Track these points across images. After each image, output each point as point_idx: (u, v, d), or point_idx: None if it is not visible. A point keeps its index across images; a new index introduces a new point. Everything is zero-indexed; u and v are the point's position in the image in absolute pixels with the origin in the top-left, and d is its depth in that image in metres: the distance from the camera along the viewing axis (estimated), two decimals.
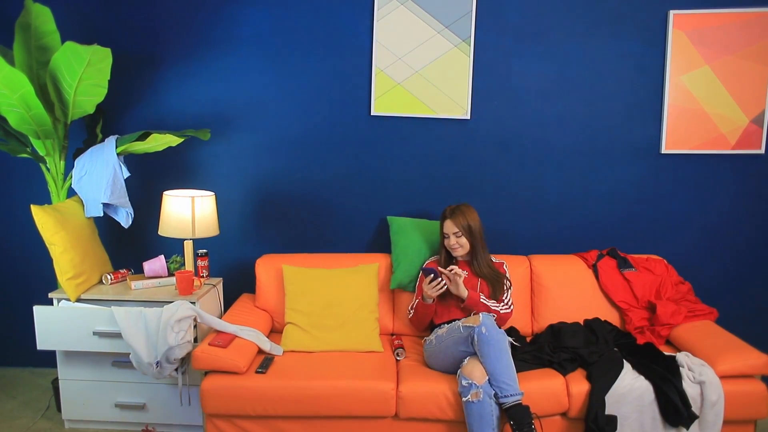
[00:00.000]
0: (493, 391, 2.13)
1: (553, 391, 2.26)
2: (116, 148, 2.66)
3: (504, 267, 2.67)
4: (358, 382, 2.28)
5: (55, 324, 2.44)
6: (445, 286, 2.45)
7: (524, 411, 2.10)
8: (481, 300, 2.49)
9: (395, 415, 2.29)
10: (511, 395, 2.11)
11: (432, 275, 2.44)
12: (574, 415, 2.27)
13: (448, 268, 2.45)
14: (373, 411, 2.27)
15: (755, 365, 2.28)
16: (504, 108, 2.96)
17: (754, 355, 2.30)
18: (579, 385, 2.27)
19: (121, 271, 2.78)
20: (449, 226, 2.57)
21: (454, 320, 2.50)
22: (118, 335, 2.40)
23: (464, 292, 2.46)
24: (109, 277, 2.70)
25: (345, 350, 2.58)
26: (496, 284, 2.57)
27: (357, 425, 2.31)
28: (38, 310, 2.44)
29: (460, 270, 2.46)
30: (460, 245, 2.57)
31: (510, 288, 2.62)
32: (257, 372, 2.32)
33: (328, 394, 2.25)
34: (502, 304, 2.56)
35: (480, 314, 2.28)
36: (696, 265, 3.02)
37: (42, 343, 2.46)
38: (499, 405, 2.14)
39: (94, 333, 2.42)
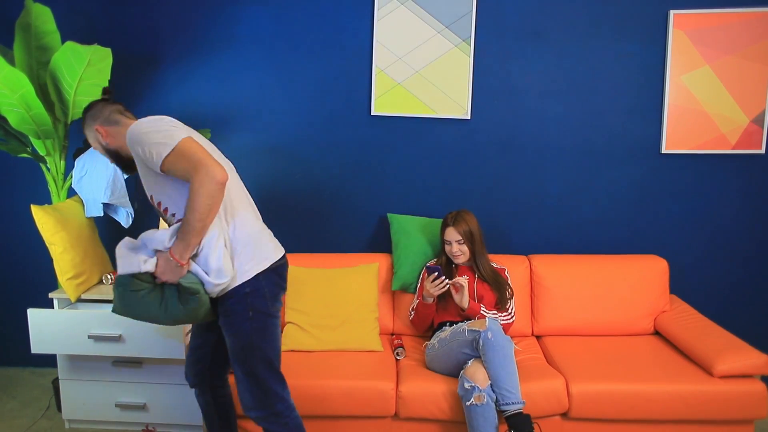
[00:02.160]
0: (495, 397, 2.13)
1: (553, 391, 2.26)
2: None
3: (506, 273, 2.67)
4: (358, 382, 2.28)
5: (49, 327, 2.42)
6: (448, 286, 2.45)
7: (525, 420, 2.09)
8: (481, 311, 2.49)
9: (395, 414, 2.29)
10: (512, 403, 2.11)
11: (436, 273, 2.44)
12: (574, 415, 2.27)
13: (454, 280, 2.46)
14: (373, 411, 2.27)
15: (755, 365, 2.28)
16: (504, 108, 2.96)
17: (754, 355, 2.30)
18: (579, 384, 2.28)
19: None
20: (451, 234, 2.57)
21: (455, 322, 2.50)
22: (113, 338, 2.39)
23: (466, 303, 2.46)
24: (109, 277, 2.70)
25: (345, 350, 2.58)
26: (500, 290, 2.57)
27: (356, 425, 2.31)
28: (32, 313, 2.42)
29: (464, 280, 2.47)
30: (461, 252, 2.57)
31: (512, 297, 2.62)
32: None
33: (328, 393, 2.25)
34: (505, 313, 2.56)
35: (486, 318, 2.27)
36: (696, 265, 3.02)
37: (36, 347, 2.45)
38: (499, 411, 2.13)
39: (89, 336, 2.41)
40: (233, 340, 1.85)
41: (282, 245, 3.07)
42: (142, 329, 2.39)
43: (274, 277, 1.87)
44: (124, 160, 1.92)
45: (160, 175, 1.75)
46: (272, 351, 1.87)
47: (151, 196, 1.86)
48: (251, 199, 1.97)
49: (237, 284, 1.80)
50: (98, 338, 2.40)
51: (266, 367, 1.86)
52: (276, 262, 1.88)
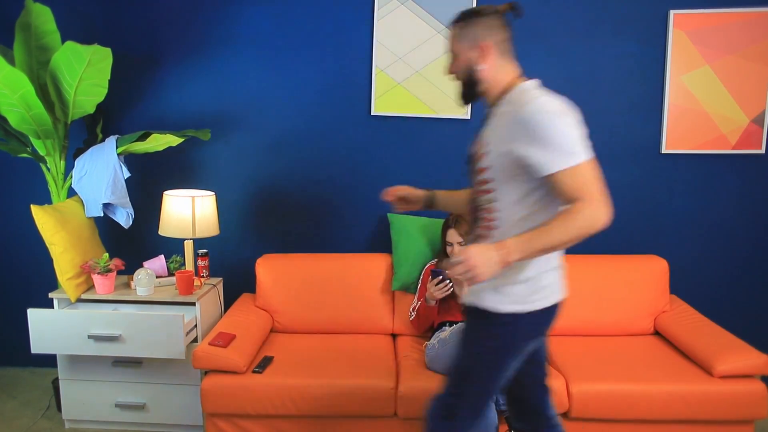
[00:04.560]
0: (495, 397, 2.12)
1: (553, 391, 2.25)
2: (116, 148, 2.66)
3: None
4: (358, 381, 2.28)
5: (49, 327, 2.42)
6: (451, 289, 2.45)
7: None
8: None
9: (394, 414, 2.29)
10: None
11: (440, 277, 2.43)
12: (574, 415, 2.27)
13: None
14: (373, 410, 2.27)
15: (755, 365, 2.28)
16: None
17: (754, 355, 2.30)
18: (579, 384, 2.28)
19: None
20: (453, 235, 2.56)
21: (455, 322, 2.50)
22: (113, 338, 2.39)
23: None
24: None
25: (345, 349, 2.58)
26: None
27: (356, 424, 2.31)
28: (32, 313, 2.42)
29: None
30: None
31: None
32: (254, 372, 2.32)
33: (328, 393, 2.25)
34: None
35: None
36: (696, 265, 3.02)
37: (36, 347, 2.44)
38: (499, 411, 2.13)
39: (89, 336, 2.40)
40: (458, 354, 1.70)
41: (281, 245, 3.10)
42: (142, 329, 2.39)
43: (537, 320, 1.61)
44: (472, 91, 1.70)
45: (523, 174, 1.51)
46: (489, 386, 1.66)
47: (485, 181, 1.59)
48: None
49: (489, 309, 1.58)
50: (98, 338, 2.40)
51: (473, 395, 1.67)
52: (544, 308, 1.60)
